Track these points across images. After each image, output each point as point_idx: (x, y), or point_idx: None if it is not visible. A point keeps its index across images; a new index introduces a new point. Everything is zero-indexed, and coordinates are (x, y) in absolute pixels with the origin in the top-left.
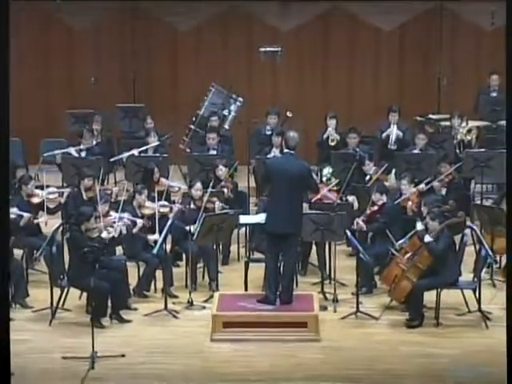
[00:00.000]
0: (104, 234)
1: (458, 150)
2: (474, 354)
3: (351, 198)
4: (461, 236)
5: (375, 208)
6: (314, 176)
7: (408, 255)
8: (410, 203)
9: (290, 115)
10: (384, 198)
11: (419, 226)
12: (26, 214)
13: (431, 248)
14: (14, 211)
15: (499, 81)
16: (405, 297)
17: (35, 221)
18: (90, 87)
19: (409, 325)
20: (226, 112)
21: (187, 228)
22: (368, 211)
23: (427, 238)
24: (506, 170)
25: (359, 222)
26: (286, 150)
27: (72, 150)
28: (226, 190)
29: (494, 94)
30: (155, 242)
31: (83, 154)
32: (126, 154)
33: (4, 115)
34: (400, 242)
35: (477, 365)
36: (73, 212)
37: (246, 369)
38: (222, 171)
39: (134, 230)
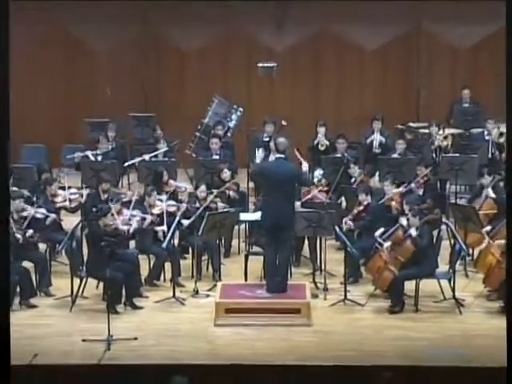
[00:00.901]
0: (119, 230)
1: (434, 155)
2: (449, 337)
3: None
4: (437, 231)
5: (361, 208)
6: (308, 175)
7: (390, 248)
8: (393, 203)
9: (285, 124)
10: (369, 199)
11: (404, 221)
12: (52, 215)
13: (417, 242)
14: (41, 211)
15: (470, 94)
16: (387, 286)
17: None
18: (106, 99)
19: (391, 311)
20: (228, 122)
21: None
22: (355, 211)
23: (413, 233)
24: (506, 172)
25: (348, 221)
26: (277, 155)
27: (89, 153)
28: (231, 192)
29: (465, 105)
30: (163, 234)
31: (99, 158)
32: (138, 159)
33: (4, 120)
34: (383, 235)
35: (451, 347)
36: (91, 210)
37: (245, 350)
38: (226, 174)
39: (144, 225)
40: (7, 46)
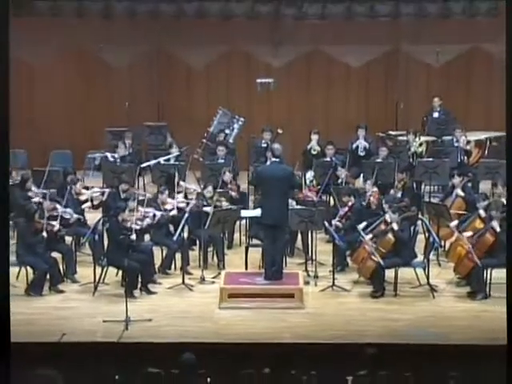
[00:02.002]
0: (135, 225)
1: (411, 159)
2: (424, 318)
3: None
4: (414, 226)
5: (346, 208)
6: (298, 178)
7: (372, 240)
8: (372, 198)
9: (281, 132)
10: (352, 199)
11: (387, 217)
12: (75, 215)
13: (399, 235)
14: (68, 211)
15: (440, 102)
16: (370, 274)
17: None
18: (124, 110)
19: (373, 295)
20: (230, 130)
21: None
22: (341, 212)
23: (394, 227)
24: (506, 173)
25: (336, 223)
26: (272, 159)
27: (108, 155)
28: (233, 192)
29: (436, 114)
30: (175, 228)
31: (118, 161)
32: (152, 162)
33: (5, 126)
34: (366, 229)
35: (426, 326)
36: (111, 207)
37: (246, 330)
38: (228, 176)
39: (157, 221)
40: (7, 63)
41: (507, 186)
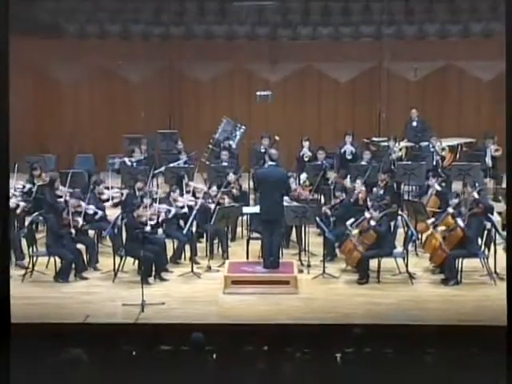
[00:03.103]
0: (150, 220)
1: (392, 163)
2: (404, 302)
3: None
4: (394, 221)
5: (338, 200)
6: (292, 179)
7: (357, 234)
8: (360, 195)
9: (278, 138)
10: (343, 195)
11: (369, 214)
12: (100, 212)
13: (377, 229)
14: (92, 208)
15: (417, 113)
16: (356, 263)
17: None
18: (140, 119)
19: (359, 282)
20: (233, 137)
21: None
22: (332, 202)
23: (372, 223)
24: (506, 173)
25: (326, 210)
26: (269, 162)
27: (126, 160)
28: (236, 191)
29: (414, 123)
30: (184, 223)
31: (135, 165)
32: (162, 168)
33: (5, 132)
34: (352, 224)
35: (405, 309)
36: (128, 205)
37: (247, 312)
38: (231, 177)
39: (169, 216)
40: (7, 74)
41: (507, 186)
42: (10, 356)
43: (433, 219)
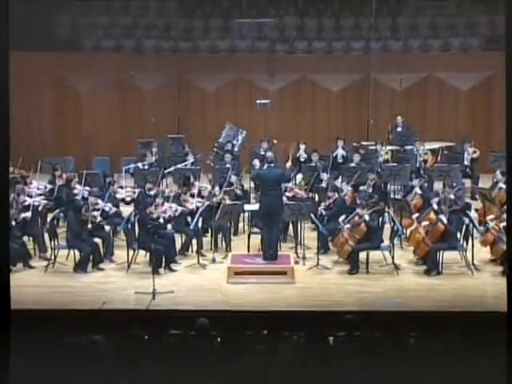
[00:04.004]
0: (161, 217)
1: (380, 165)
2: (390, 290)
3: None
4: (382, 217)
5: (331, 200)
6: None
7: (348, 229)
8: (347, 197)
9: (276, 142)
10: (336, 195)
11: (359, 211)
12: (114, 208)
13: (370, 225)
14: (109, 205)
15: (402, 119)
16: (347, 255)
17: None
18: (151, 125)
19: (350, 273)
20: (235, 141)
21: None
22: (327, 203)
23: (366, 218)
24: (506, 174)
25: (321, 210)
26: (267, 164)
27: (139, 165)
28: (238, 191)
29: (399, 129)
30: (192, 219)
31: (146, 167)
32: (172, 168)
33: (6, 136)
34: (344, 220)
35: (391, 297)
36: (141, 203)
37: (248, 300)
38: (234, 178)
39: (177, 214)
40: (7, 80)
41: (507, 187)
42: (24, 339)
43: (417, 215)
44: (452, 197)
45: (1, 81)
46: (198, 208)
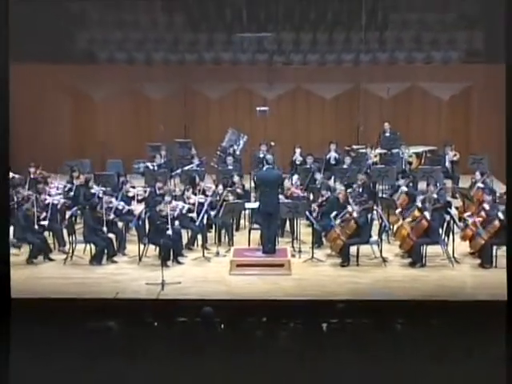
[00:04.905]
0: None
1: (369, 166)
2: (378, 281)
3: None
4: (371, 214)
5: (324, 198)
6: (286, 181)
7: (340, 225)
8: (340, 195)
9: (273, 144)
10: (328, 193)
11: (350, 208)
12: (126, 206)
13: (360, 221)
14: (121, 204)
15: (389, 126)
16: (339, 249)
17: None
18: (160, 130)
19: (342, 265)
20: (237, 145)
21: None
22: (320, 200)
23: (355, 214)
24: (506, 174)
25: (315, 206)
26: (266, 166)
27: (149, 164)
28: (239, 190)
29: (387, 134)
30: (197, 216)
31: (156, 168)
32: (179, 170)
33: (5, 125)
34: (336, 217)
35: (380, 288)
36: (150, 201)
37: (249, 290)
38: (236, 178)
39: (184, 211)
40: (7, 87)
41: (507, 187)
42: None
43: (402, 212)
44: (435, 196)
45: (0, 89)
46: (202, 205)
